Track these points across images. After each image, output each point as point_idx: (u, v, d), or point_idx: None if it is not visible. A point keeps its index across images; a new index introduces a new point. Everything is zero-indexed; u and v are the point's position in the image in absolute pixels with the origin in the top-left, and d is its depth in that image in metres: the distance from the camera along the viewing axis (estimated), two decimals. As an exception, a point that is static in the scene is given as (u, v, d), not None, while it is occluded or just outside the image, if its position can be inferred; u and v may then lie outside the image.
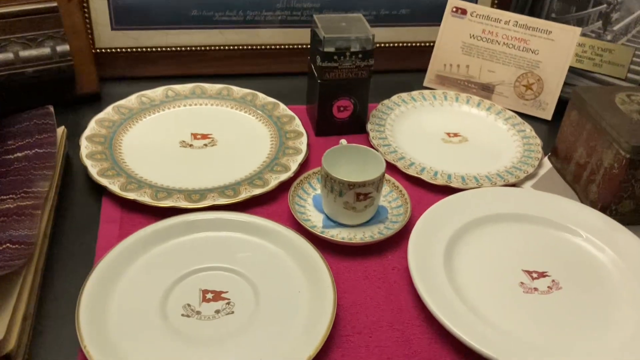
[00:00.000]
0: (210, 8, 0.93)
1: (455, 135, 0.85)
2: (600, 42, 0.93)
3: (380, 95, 0.91)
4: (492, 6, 1.00)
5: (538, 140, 0.83)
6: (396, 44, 1.00)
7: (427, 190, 0.75)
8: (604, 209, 0.70)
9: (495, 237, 0.67)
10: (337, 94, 0.80)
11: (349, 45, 0.77)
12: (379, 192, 0.66)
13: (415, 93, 0.92)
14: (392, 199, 0.72)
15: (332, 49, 0.77)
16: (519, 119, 0.88)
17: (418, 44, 1.01)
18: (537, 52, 0.91)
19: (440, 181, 0.75)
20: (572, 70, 0.95)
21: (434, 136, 0.85)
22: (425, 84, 0.97)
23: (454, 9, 0.94)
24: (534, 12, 0.97)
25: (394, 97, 0.91)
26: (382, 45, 1.00)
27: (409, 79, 0.99)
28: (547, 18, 0.96)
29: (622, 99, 0.73)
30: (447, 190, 0.74)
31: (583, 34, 0.94)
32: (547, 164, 0.81)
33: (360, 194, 0.65)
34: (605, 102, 0.73)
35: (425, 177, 0.75)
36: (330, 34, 0.77)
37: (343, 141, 0.73)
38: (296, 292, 0.59)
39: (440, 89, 0.95)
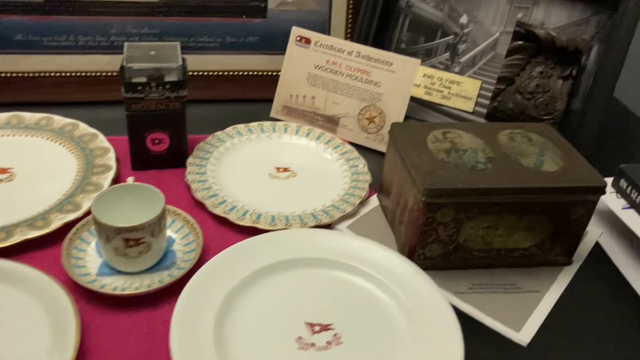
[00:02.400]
0: (37, 33, 0.87)
1: (285, 170, 0.81)
2: (448, 74, 0.91)
3: (226, 125, 0.86)
4: (345, 37, 0.97)
5: (368, 177, 0.79)
6: (245, 73, 0.96)
7: (235, 232, 0.70)
8: (411, 254, 0.66)
9: (285, 285, 0.62)
10: (149, 126, 0.75)
11: (157, 75, 0.72)
12: (157, 236, 0.61)
13: (253, 124, 0.87)
14: (187, 241, 0.67)
15: (137, 79, 0.72)
16: (355, 154, 0.84)
17: (269, 73, 0.97)
18: (379, 84, 0.87)
19: (247, 222, 0.70)
20: (421, 103, 0.92)
21: (261, 171, 0.80)
22: (272, 114, 0.93)
23: (298, 38, 0.90)
24: (384, 42, 0.94)
25: (229, 129, 0.86)
26: (230, 73, 0.95)
27: (259, 109, 0.94)
28: (397, 49, 0.93)
29: (435, 137, 0.69)
30: (254, 232, 0.69)
31: (432, 66, 0.92)
32: (376, 202, 0.77)
33: (129, 240, 0.59)
34: (417, 139, 0.69)
35: (232, 217, 0.70)
36: (133, 63, 0.72)
37: (130, 179, 0.68)
38: (36, 352, 0.53)
39: (286, 120, 0.91)
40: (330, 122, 0.90)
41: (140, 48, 0.75)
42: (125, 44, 0.75)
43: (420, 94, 0.92)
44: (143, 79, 0.73)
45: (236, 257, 0.63)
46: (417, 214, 0.63)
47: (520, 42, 0.83)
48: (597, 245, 0.75)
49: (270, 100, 0.93)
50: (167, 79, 0.73)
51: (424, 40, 0.92)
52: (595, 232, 0.77)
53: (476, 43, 0.89)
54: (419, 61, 0.85)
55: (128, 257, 0.60)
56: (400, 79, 0.86)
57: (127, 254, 0.60)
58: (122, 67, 0.72)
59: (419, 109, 0.92)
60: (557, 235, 0.67)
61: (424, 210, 0.63)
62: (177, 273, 0.62)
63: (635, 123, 1.07)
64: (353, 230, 0.72)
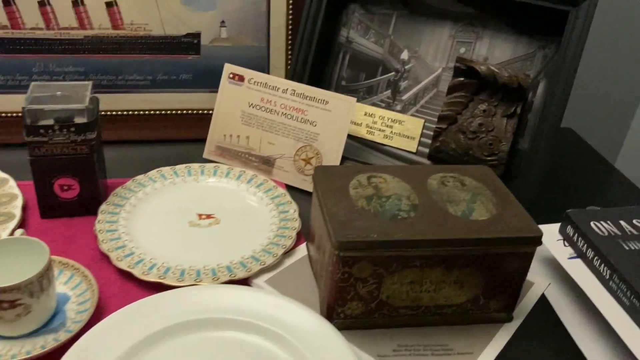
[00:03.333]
0: (-47, 71, 0.83)
1: (208, 217, 0.75)
2: (390, 112, 0.86)
3: (155, 168, 0.81)
4: (286, 74, 0.92)
5: (297, 224, 0.73)
6: (179, 112, 0.91)
7: (141, 288, 0.64)
8: (330, 312, 0.60)
9: (182, 351, 0.55)
10: (56, 172, 0.69)
11: (64, 116, 0.67)
12: (39, 297, 0.55)
13: (180, 167, 0.82)
14: (84, 299, 0.60)
15: (43, 122, 0.67)
16: (287, 198, 0.78)
17: (204, 112, 0.92)
18: (315, 123, 0.82)
19: (152, 277, 0.63)
20: (364, 143, 0.87)
21: (182, 218, 0.74)
22: (205, 155, 0.87)
23: (231, 75, 0.85)
24: (324, 79, 0.89)
25: (152, 172, 0.80)
26: (162, 112, 0.90)
27: (192, 150, 0.89)
28: (338, 86, 0.88)
29: (359, 182, 0.64)
30: (161, 288, 0.62)
31: (373, 104, 0.87)
32: (305, 251, 0.71)
33: (2, 302, 0.53)
34: (339, 184, 0.63)
35: (137, 271, 0.64)
36: (36, 104, 0.67)
37: (19, 232, 0.62)
38: None
39: (220, 162, 0.85)
40: (266, 164, 0.85)
41: (48, 88, 0.70)
42: (32, 83, 0.70)
43: (362, 133, 0.87)
44: (49, 122, 0.67)
45: (128, 319, 0.56)
46: (333, 269, 0.57)
47: (461, 79, 0.78)
48: (544, 298, 0.69)
49: (205, 141, 0.88)
50: (77, 120, 0.68)
51: (365, 77, 0.87)
52: (542, 284, 0.70)
53: (418, 80, 0.84)
54: (354, 100, 0.80)
55: (4, 321, 0.54)
56: (336, 118, 0.81)
57: (3, 317, 0.54)
58: (23, 109, 0.66)
59: (362, 149, 0.87)
60: (493, 289, 0.61)
61: (338, 264, 0.57)
62: (63, 336, 0.56)
63: (591, 155, 1.02)
64: (273, 284, 0.65)
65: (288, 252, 0.69)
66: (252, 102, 0.84)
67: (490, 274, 0.60)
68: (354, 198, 0.61)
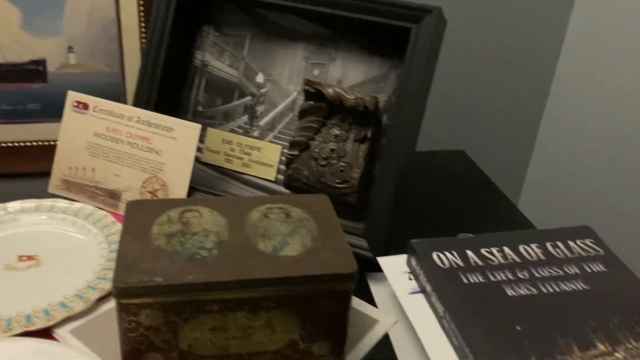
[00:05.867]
0: None
1: (30, 258, 0.68)
2: (247, 138, 0.80)
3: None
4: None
5: (125, 264, 0.67)
6: (25, 144, 0.85)
7: None
8: (128, 365, 0.54)
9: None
10: None
11: None
12: None
13: (12, 204, 0.75)
14: None
15: None
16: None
17: (52, 143, 0.86)
18: (161, 152, 0.76)
19: (-62, 330, 0.57)
20: (222, 172, 0.81)
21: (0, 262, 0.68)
22: (50, 190, 0.80)
23: (75, 104, 0.79)
24: (180, 105, 0.83)
25: (-22, 211, 0.74)
26: (7, 144, 0.84)
27: (38, 185, 0.82)
28: (195, 112, 0.83)
29: (169, 217, 0.58)
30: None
31: (231, 130, 0.82)
32: (131, 294, 0.65)
33: None
34: (146, 221, 0.57)
35: None
36: None
37: None
38: None
39: (66, 196, 0.79)
40: (112, 197, 0.78)
41: None
42: None
43: (221, 161, 0.81)
44: None
45: None
46: (119, 318, 0.51)
47: (311, 103, 0.74)
48: (388, 338, 0.64)
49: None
50: None
51: (222, 101, 0.82)
52: (388, 322, 0.65)
53: (274, 104, 0.79)
54: (199, 126, 0.75)
55: None
56: (181, 146, 0.75)
57: None
58: None
59: (220, 179, 0.81)
60: (312, 333, 0.55)
61: (121, 313, 0.50)
62: None
63: (480, 180, 0.98)
64: (79, 335, 0.59)
65: (107, 297, 0.63)
66: (98, 131, 0.78)
67: (305, 315, 0.54)
68: (154, 236, 0.55)
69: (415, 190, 0.94)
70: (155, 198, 0.76)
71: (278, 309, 0.53)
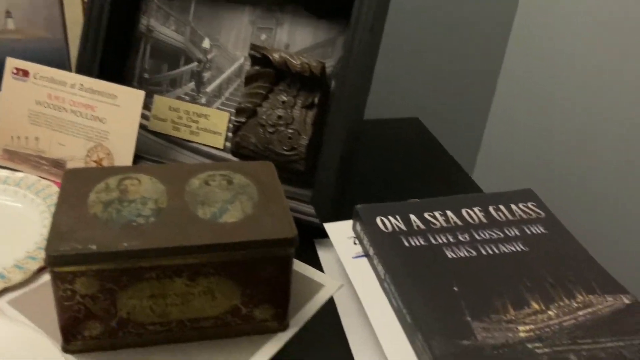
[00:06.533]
0: None
1: (-32, 230, 0.67)
2: (194, 106, 0.79)
3: None
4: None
5: (67, 233, 0.66)
6: (-35, 113, 0.82)
7: None
8: (66, 335, 0.52)
9: None
10: None
11: None
12: None
13: (-49, 175, 0.73)
14: None
15: None
16: (67, 205, 0.70)
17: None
18: (105, 120, 0.75)
19: None
20: (170, 140, 0.80)
21: (-63, 233, 0.66)
22: (-8, 161, 0.79)
23: (15, 71, 0.77)
24: (125, 72, 0.81)
25: None
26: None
27: (-19, 155, 0.80)
28: (140, 79, 0.81)
29: (107, 185, 0.57)
30: None
31: (177, 97, 0.80)
32: (74, 264, 0.64)
33: None
34: (83, 189, 0.56)
35: None
36: None
37: None
38: None
39: (9, 167, 0.77)
40: (57, 167, 0.77)
41: None
42: None
43: (168, 129, 0.80)
44: None
45: None
46: (54, 287, 0.50)
47: (258, 68, 0.73)
48: (333, 302, 0.64)
49: None
50: None
51: (168, 68, 0.80)
52: (333, 286, 0.66)
53: (221, 70, 0.78)
54: (143, 93, 0.73)
55: None
56: (125, 113, 0.74)
57: None
58: None
59: (167, 147, 0.80)
60: (254, 298, 0.56)
61: (55, 281, 0.50)
62: None
63: (434, 147, 0.99)
64: (17, 306, 0.58)
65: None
66: (39, 99, 0.76)
67: (246, 281, 0.54)
68: (90, 204, 0.54)
69: (367, 158, 0.94)
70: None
71: (217, 275, 0.53)
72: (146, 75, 0.81)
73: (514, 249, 0.61)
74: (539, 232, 0.64)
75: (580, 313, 0.54)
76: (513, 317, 0.53)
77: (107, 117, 0.74)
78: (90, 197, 0.55)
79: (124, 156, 0.74)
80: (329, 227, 0.68)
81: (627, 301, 0.56)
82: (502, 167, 1.23)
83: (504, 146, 1.22)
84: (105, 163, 0.75)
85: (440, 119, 1.13)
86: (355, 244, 0.65)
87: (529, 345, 0.50)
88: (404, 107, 1.11)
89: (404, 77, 1.12)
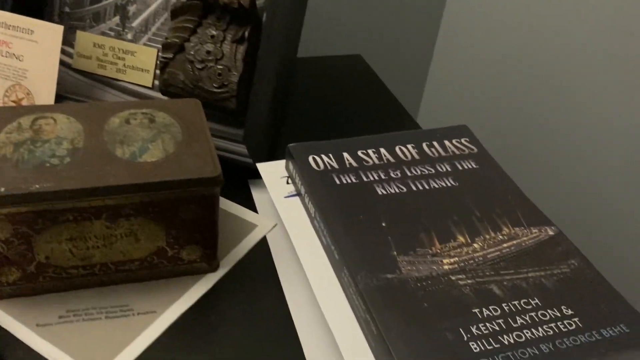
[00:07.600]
0: None
1: None
2: (120, 42, 0.75)
3: None
4: None
5: (-16, 178, 0.63)
6: None
7: None
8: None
9: None
10: None
11: None
12: None
13: None
14: None
15: None
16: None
17: None
18: (22, 58, 0.70)
19: None
20: (96, 79, 0.76)
21: None
22: None
23: None
24: (43, 5, 0.76)
25: None
26: None
27: None
28: (61, 14, 0.76)
29: (20, 125, 0.54)
30: None
31: (102, 33, 0.76)
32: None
33: None
34: (-8, 130, 0.53)
35: None
36: None
37: None
38: None
39: None
40: (-27, 109, 0.72)
41: None
42: None
43: (93, 67, 0.76)
44: None
45: None
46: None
47: (184, 0, 0.69)
48: (265, 242, 0.64)
49: None
50: None
51: (90, 1, 0.75)
52: (266, 225, 0.65)
53: (147, 3, 0.74)
54: (62, 27, 0.68)
55: None
56: (44, 50, 0.69)
57: None
58: None
59: (93, 86, 0.76)
60: (180, 239, 0.55)
61: (-37, 226, 0.47)
62: None
63: (374, 85, 0.97)
64: None
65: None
66: (-51, 35, 0.71)
67: (169, 222, 0.53)
68: (0, 145, 0.51)
69: (306, 97, 0.92)
70: (20, 108, 0.71)
71: (139, 217, 0.52)
72: (67, 9, 0.76)
73: (444, 184, 0.61)
74: (470, 167, 0.64)
75: (505, 245, 0.55)
76: (438, 251, 0.53)
77: (25, 54, 0.70)
78: (0, 138, 0.52)
79: (45, 96, 0.70)
80: (261, 167, 0.66)
81: (551, 232, 0.57)
82: (446, 106, 1.23)
83: (448, 85, 1.21)
84: (25, 103, 0.71)
85: (383, 56, 1.11)
86: (288, 183, 0.64)
87: (453, 277, 0.50)
88: (346, 43, 1.09)
89: (346, 12, 1.09)
